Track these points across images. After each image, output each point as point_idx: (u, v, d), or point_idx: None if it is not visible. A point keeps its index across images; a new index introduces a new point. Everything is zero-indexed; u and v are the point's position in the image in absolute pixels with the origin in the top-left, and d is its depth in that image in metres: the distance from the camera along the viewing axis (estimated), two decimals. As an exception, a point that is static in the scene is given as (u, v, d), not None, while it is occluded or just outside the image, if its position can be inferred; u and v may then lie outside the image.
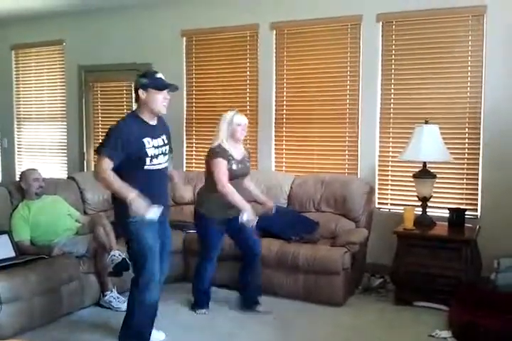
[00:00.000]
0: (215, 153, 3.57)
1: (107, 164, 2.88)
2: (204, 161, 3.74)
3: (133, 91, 3.12)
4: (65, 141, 6.57)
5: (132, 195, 2.82)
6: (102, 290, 3.93)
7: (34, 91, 6.85)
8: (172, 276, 3.79)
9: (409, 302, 3.96)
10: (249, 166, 3.81)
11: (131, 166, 2.95)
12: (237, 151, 3.70)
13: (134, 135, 2.95)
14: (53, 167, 6.63)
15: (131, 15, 5.93)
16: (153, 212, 2.84)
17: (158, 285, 3.11)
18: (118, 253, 3.71)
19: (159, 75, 3.05)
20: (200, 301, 3.87)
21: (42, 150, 6.81)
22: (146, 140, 2.98)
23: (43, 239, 3.97)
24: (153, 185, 3.04)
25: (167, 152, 3.15)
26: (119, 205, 3.00)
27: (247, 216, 3.43)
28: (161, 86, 2.99)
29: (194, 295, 3.90)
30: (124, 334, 3.14)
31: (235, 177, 3.61)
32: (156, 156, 3.03)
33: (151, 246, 3.04)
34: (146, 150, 2.98)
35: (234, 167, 3.60)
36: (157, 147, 3.05)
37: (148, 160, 2.99)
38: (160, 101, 2.99)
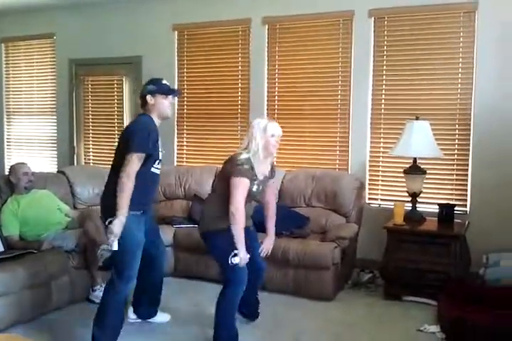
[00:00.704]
0: (242, 170, 3.01)
1: (137, 166, 2.94)
2: (222, 167, 3.22)
3: (139, 98, 3.23)
4: (55, 135, 6.53)
5: (124, 214, 2.90)
6: (91, 284, 3.92)
7: (24, 84, 6.80)
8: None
9: (398, 297, 3.99)
10: (267, 185, 3.32)
11: (142, 166, 3.01)
12: (263, 168, 3.19)
13: (156, 133, 3.08)
14: (43, 161, 6.59)
15: (123, 9, 5.89)
16: (115, 245, 2.93)
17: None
18: (108, 248, 3.68)
19: (164, 82, 3.22)
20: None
21: (31, 144, 6.77)
22: (159, 142, 3.13)
23: (32, 234, 3.94)
24: (152, 188, 3.23)
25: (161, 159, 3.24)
26: (112, 202, 2.97)
27: (239, 259, 2.98)
28: (166, 91, 3.17)
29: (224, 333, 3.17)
30: (96, 328, 3.07)
31: (249, 200, 3.15)
32: (160, 160, 3.17)
33: (139, 244, 3.09)
34: (159, 152, 3.13)
35: (254, 189, 3.12)
36: (161, 151, 3.19)
37: (156, 162, 3.13)
38: (166, 105, 3.16)
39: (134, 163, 2.94)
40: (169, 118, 3.31)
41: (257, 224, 3.48)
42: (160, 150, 3.16)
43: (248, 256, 3.04)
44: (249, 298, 3.39)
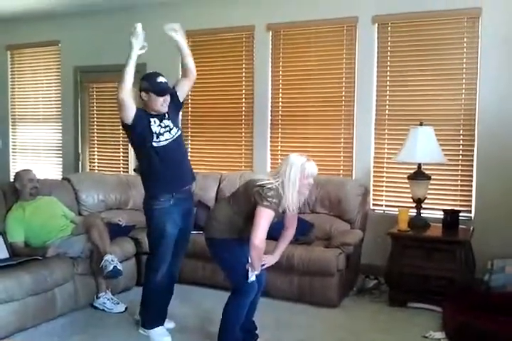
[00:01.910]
0: (272, 203, 2.88)
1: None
2: (248, 185, 3.06)
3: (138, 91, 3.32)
4: (60, 141, 6.56)
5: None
6: (96, 291, 3.92)
7: (29, 91, 6.83)
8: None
9: (403, 304, 3.97)
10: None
11: (140, 146, 3.28)
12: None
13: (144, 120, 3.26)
14: (48, 168, 6.61)
15: (127, 17, 5.90)
16: None
17: (167, 268, 3.41)
18: (111, 258, 3.72)
19: (160, 79, 3.26)
20: None
21: (37, 151, 6.79)
22: (152, 119, 3.27)
23: (38, 240, 3.96)
24: (167, 165, 3.29)
25: (172, 127, 3.35)
26: (148, 190, 3.35)
27: (254, 278, 3.01)
28: (160, 92, 3.22)
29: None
30: (142, 312, 3.51)
31: None
32: (161, 134, 3.28)
33: (168, 235, 3.32)
34: (151, 127, 3.25)
35: (274, 220, 3.02)
36: (164, 127, 3.30)
37: (154, 137, 3.24)
38: (160, 103, 3.24)
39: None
40: (163, 112, 3.30)
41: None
42: (158, 124, 3.26)
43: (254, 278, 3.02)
44: (247, 320, 3.25)
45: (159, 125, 3.28)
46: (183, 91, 3.48)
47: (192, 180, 3.52)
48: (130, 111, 3.17)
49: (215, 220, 3.13)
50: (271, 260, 3.24)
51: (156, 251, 3.38)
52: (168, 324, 3.56)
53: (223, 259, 3.13)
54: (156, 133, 3.25)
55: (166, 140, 3.28)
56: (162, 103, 3.24)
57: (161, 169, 3.27)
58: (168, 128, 3.32)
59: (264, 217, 2.89)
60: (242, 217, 3.01)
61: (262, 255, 2.99)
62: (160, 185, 3.29)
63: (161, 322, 3.47)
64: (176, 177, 3.34)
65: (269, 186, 2.91)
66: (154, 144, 3.24)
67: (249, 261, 2.96)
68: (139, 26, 3.26)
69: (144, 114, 3.26)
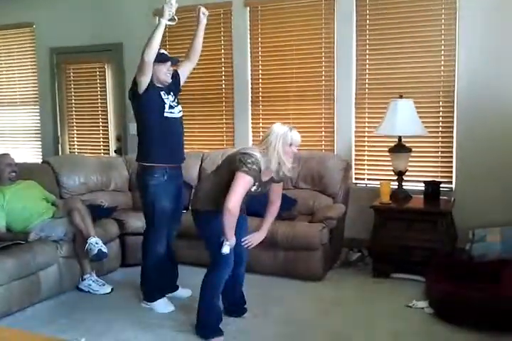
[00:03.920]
0: (251, 169, 2.91)
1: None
2: (233, 154, 3.10)
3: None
4: (39, 124, 6.46)
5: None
6: (81, 273, 3.92)
7: (4, 75, 6.69)
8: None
9: (387, 275, 4.03)
10: (274, 187, 3.21)
11: (152, 113, 3.41)
12: (270, 173, 3.07)
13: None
14: (27, 151, 6.53)
15: (101, -5, 5.80)
16: None
17: (165, 240, 3.55)
18: (95, 241, 3.74)
19: (162, 51, 3.46)
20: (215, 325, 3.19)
21: (15, 134, 6.69)
22: (162, 92, 3.45)
23: (19, 225, 3.92)
24: (170, 139, 3.48)
25: (177, 105, 3.57)
26: (147, 157, 3.45)
27: (227, 249, 2.98)
28: (163, 59, 3.41)
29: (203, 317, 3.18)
30: (143, 286, 3.63)
31: (244, 199, 3.04)
32: (172, 106, 3.49)
33: (164, 210, 3.46)
34: (162, 99, 3.43)
35: (252, 189, 3.02)
36: (173, 101, 3.52)
37: (166, 107, 3.43)
38: (164, 72, 3.42)
39: None
40: (168, 82, 3.46)
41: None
42: (167, 97, 3.45)
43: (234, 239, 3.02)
44: (233, 295, 3.38)
45: (168, 99, 3.47)
46: (184, 74, 3.67)
47: (183, 158, 3.66)
48: (148, 76, 3.31)
49: (199, 191, 3.22)
50: (258, 237, 3.27)
51: (155, 224, 3.50)
52: (185, 291, 3.76)
53: (202, 230, 3.17)
54: (168, 104, 3.45)
55: (175, 113, 3.50)
56: (166, 72, 3.42)
57: (167, 139, 3.44)
58: (176, 103, 3.55)
59: (241, 183, 2.90)
60: (223, 186, 2.98)
61: (234, 223, 2.95)
62: (161, 153, 3.43)
63: (162, 294, 3.60)
64: (175, 151, 3.55)
65: (251, 153, 2.96)
66: (167, 115, 3.43)
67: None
68: None
69: (153, 86, 3.40)
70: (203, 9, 3.61)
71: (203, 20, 3.64)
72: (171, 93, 3.53)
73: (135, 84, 3.39)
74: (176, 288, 3.79)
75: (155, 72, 3.36)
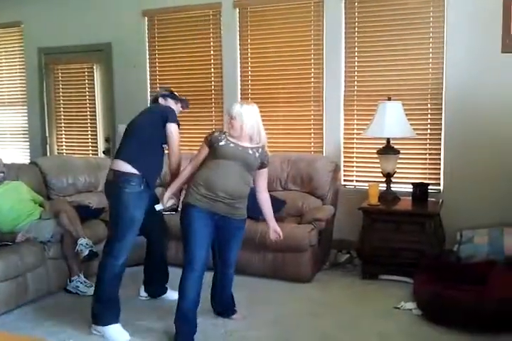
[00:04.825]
0: (210, 135, 3.23)
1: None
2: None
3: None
4: (27, 125, 6.41)
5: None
6: (68, 275, 3.89)
7: (-9, 75, 6.65)
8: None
9: (375, 276, 4.05)
10: (255, 164, 3.16)
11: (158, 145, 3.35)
12: (242, 143, 3.13)
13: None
14: (15, 152, 6.47)
15: (90, -5, 5.78)
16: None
17: (127, 255, 3.23)
18: (85, 242, 3.73)
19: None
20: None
21: (2, 135, 6.64)
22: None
23: (6, 226, 3.88)
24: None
25: None
26: (119, 172, 3.16)
27: (161, 205, 3.22)
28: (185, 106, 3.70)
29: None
30: (95, 306, 3.24)
31: (220, 156, 3.07)
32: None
33: (135, 220, 3.17)
34: None
35: (221, 143, 3.08)
36: None
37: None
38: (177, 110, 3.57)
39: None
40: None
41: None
42: None
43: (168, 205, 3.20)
44: (221, 296, 3.39)
45: None
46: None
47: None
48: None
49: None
50: (273, 230, 3.34)
51: (120, 235, 3.15)
52: (175, 294, 3.24)
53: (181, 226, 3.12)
54: None
55: None
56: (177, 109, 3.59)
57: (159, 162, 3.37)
58: None
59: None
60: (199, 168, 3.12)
61: (179, 178, 3.19)
62: (156, 174, 3.39)
63: (116, 319, 3.19)
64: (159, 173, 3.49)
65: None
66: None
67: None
68: None
69: None
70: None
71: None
72: None
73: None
74: (164, 290, 3.76)
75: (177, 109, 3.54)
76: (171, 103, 3.51)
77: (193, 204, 3.02)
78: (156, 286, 3.76)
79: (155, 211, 3.33)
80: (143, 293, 3.78)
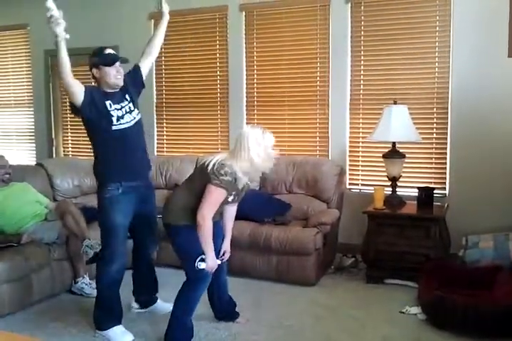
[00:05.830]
0: (223, 181, 2.79)
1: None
2: (204, 163, 2.93)
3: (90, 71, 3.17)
4: (33, 127, 6.44)
5: None
6: (73, 276, 3.90)
7: (-1, 77, 6.69)
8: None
9: (380, 281, 4.03)
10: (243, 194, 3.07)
11: (97, 130, 3.07)
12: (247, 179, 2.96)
13: (98, 98, 3.06)
14: (21, 154, 6.50)
15: (98, -2, 5.80)
16: None
17: (123, 260, 3.17)
18: (90, 243, 3.68)
19: (108, 51, 3.14)
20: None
21: (9, 136, 6.66)
22: (108, 102, 3.07)
23: (11, 227, 3.89)
24: (123, 152, 3.09)
25: (133, 109, 3.17)
26: (97, 176, 3.16)
27: (206, 264, 2.87)
28: (110, 61, 3.07)
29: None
30: (95, 311, 3.24)
31: (221, 207, 2.98)
32: (121, 117, 3.09)
33: (117, 225, 3.09)
34: (108, 111, 3.05)
35: (229, 199, 2.94)
36: (122, 108, 3.11)
37: (114, 120, 3.05)
38: (113, 75, 3.06)
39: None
40: (121, 85, 3.13)
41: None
42: (116, 107, 3.07)
43: (218, 262, 2.96)
44: (220, 302, 3.31)
45: (117, 108, 3.08)
46: (146, 68, 3.35)
47: (147, 168, 3.35)
48: (76, 86, 2.97)
49: (170, 204, 3.02)
50: (226, 242, 3.16)
51: (107, 242, 3.14)
52: (166, 306, 3.38)
53: (176, 245, 3.01)
54: (115, 116, 3.06)
55: (127, 122, 3.09)
56: (116, 74, 3.06)
57: (114, 155, 3.08)
58: (128, 109, 3.13)
59: (213, 196, 2.79)
60: (196, 198, 2.84)
61: (209, 237, 2.83)
62: (108, 172, 3.10)
63: (117, 321, 3.20)
64: (127, 166, 3.11)
65: (224, 163, 2.83)
66: (114, 128, 3.04)
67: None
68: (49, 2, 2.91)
69: (99, 95, 3.05)
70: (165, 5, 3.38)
71: (166, 15, 3.41)
72: (126, 96, 3.17)
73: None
74: (154, 300, 3.57)
75: (102, 76, 3.05)
76: (106, 72, 3.07)
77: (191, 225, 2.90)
78: (145, 295, 3.55)
79: (144, 214, 3.25)
80: (134, 304, 3.56)
